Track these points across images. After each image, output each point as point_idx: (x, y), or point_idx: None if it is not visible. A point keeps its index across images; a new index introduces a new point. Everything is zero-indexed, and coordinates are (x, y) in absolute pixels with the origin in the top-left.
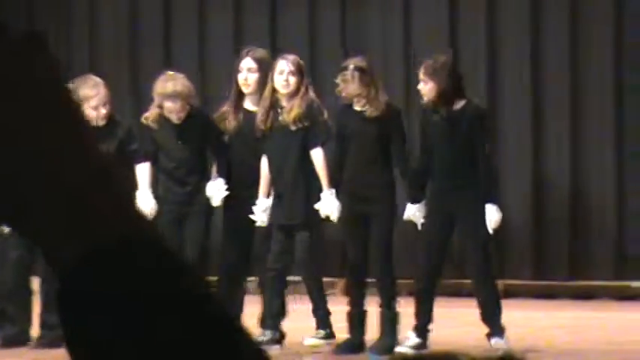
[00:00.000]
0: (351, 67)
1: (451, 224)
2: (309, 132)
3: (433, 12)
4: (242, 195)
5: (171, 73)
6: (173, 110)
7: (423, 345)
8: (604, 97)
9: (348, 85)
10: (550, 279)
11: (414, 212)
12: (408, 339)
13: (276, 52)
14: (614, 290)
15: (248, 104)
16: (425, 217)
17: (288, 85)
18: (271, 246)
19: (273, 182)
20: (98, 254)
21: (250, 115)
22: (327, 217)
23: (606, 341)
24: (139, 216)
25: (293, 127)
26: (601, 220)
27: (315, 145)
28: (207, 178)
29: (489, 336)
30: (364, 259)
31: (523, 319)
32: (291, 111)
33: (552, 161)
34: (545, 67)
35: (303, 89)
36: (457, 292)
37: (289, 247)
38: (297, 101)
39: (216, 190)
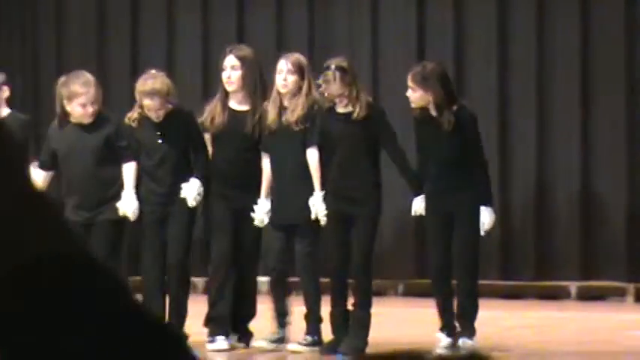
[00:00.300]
0: (333, 66)
1: (451, 223)
2: (305, 133)
3: (401, 11)
4: (227, 194)
5: (153, 71)
6: (152, 108)
7: (453, 345)
8: (571, 97)
9: (330, 85)
10: (516, 279)
11: (419, 204)
12: (440, 341)
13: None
14: (580, 290)
15: (233, 103)
16: (425, 220)
17: (286, 84)
18: (272, 246)
19: (275, 182)
20: (20, 272)
21: (236, 113)
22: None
23: (573, 341)
24: (68, 237)
25: (296, 128)
26: (567, 220)
27: (310, 145)
28: (198, 162)
29: (459, 335)
30: (347, 260)
31: (490, 318)
32: (294, 111)
33: (518, 161)
34: (512, 67)
35: (305, 89)
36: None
37: (290, 247)
38: (300, 101)
39: (192, 192)
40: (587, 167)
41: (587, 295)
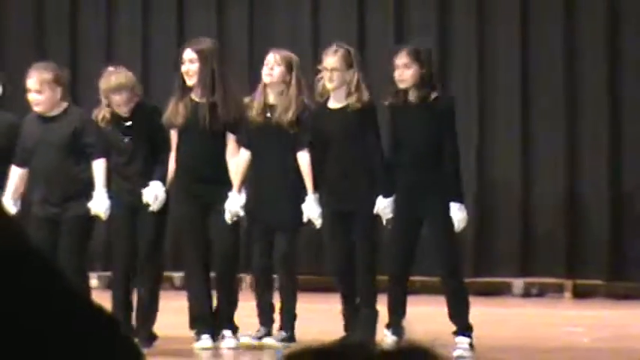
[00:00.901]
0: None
1: (419, 224)
2: (295, 135)
3: (342, 12)
4: (194, 189)
5: (112, 68)
6: (121, 102)
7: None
8: (512, 97)
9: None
10: None
11: (384, 206)
12: (385, 337)
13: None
14: (520, 286)
15: (194, 96)
16: (393, 217)
17: (271, 74)
18: (254, 242)
19: (257, 180)
20: None
21: (197, 107)
22: (309, 221)
23: (513, 337)
24: (11, 232)
25: (290, 130)
26: (506, 218)
27: (301, 148)
28: (159, 164)
29: (455, 333)
30: (351, 258)
31: (432, 315)
32: (286, 113)
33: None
34: (452, 67)
35: (294, 88)
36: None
37: (271, 247)
38: (290, 102)
39: (152, 196)
40: (526, 165)
41: (527, 292)
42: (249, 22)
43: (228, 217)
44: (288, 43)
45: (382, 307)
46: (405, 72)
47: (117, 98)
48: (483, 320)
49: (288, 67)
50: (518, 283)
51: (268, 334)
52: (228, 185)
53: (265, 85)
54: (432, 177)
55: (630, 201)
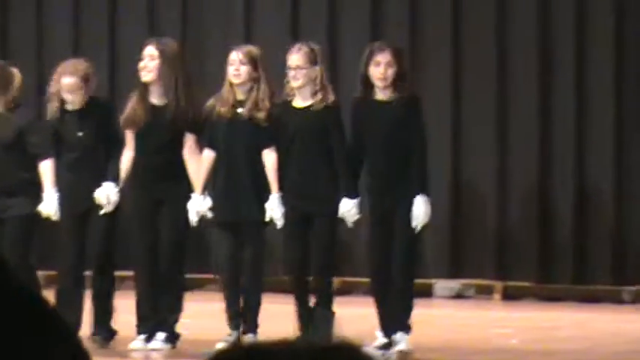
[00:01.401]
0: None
1: (391, 222)
2: (264, 132)
3: (274, 15)
4: (148, 188)
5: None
6: (69, 88)
7: (389, 344)
8: (443, 97)
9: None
10: None
11: (348, 208)
12: (377, 339)
13: (115, 54)
14: (449, 289)
15: (152, 97)
16: (371, 221)
17: (239, 74)
18: (220, 245)
19: (224, 178)
20: None
21: (155, 107)
22: (271, 220)
23: (442, 339)
24: None
25: (256, 125)
26: (436, 219)
27: (267, 146)
28: (111, 164)
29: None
30: (307, 259)
31: (359, 317)
32: (257, 108)
33: None
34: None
35: (263, 82)
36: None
37: (239, 246)
38: (260, 96)
39: (106, 196)
40: (459, 167)
41: (457, 294)
42: (182, 15)
43: (194, 220)
44: (221, 36)
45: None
46: (389, 70)
47: (66, 82)
48: (414, 321)
49: (253, 63)
50: (447, 285)
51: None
52: (182, 184)
53: (232, 84)
54: (401, 175)
55: (560, 203)
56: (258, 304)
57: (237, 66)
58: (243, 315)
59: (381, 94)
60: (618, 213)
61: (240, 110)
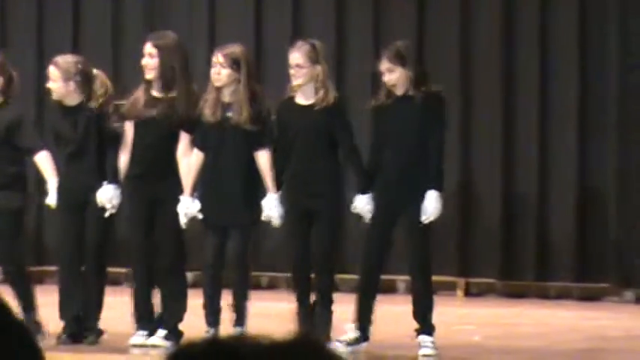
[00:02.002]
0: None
1: (395, 220)
2: (257, 133)
3: (239, 13)
4: (142, 183)
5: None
6: (53, 78)
7: (362, 338)
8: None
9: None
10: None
11: (364, 204)
12: (345, 332)
13: (78, 53)
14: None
15: (154, 91)
16: (372, 213)
17: (219, 78)
18: (206, 242)
19: (212, 181)
20: None
21: (155, 100)
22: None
23: (403, 334)
24: None
25: (247, 127)
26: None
27: (262, 147)
28: (109, 163)
29: (418, 332)
30: (308, 256)
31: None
32: (241, 112)
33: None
34: (350, 66)
35: (244, 84)
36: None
37: (224, 246)
38: (241, 98)
39: (109, 198)
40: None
41: (389, 289)
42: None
43: (183, 221)
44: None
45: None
46: (390, 75)
47: (51, 72)
48: (374, 318)
49: (235, 64)
50: (406, 282)
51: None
52: (176, 183)
53: (217, 87)
54: (415, 175)
55: (523, 199)
56: (245, 297)
57: (217, 69)
58: (236, 309)
59: (408, 91)
60: (581, 214)
61: (228, 114)
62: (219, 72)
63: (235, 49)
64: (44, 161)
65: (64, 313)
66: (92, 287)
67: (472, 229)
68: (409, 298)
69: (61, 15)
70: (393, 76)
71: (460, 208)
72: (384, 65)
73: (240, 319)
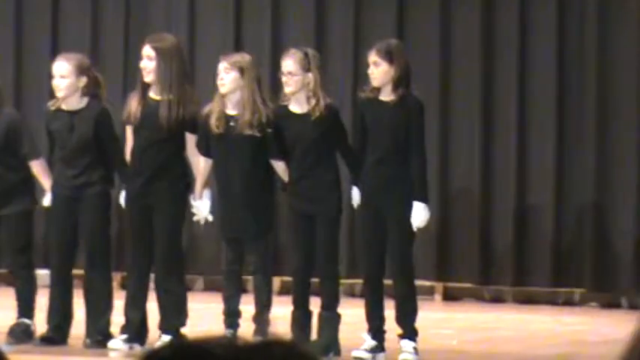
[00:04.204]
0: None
1: (383, 220)
2: (259, 144)
3: (219, 17)
4: (141, 188)
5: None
6: (55, 87)
7: (379, 347)
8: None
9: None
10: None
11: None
12: (364, 341)
13: (57, 46)
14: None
15: (152, 94)
16: (359, 216)
17: (223, 84)
18: (226, 250)
19: (222, 193)
20: None
21: (152, 103)
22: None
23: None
24: None
25: (248, 132)
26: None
27: (275, 157)
28: (105, 165)
29: (401, 337)
30: (309, 260)
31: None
32: (243, 119)
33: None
34: (329, 69)
35: (247, 91)
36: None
37: (242, 256)
38: (245, 108)
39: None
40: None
41: (351, 292)
42: (125, 15)
43: (202, 222)
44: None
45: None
46: (375, 70)
47: (54, 83)
48: (353, 321)
49: (239, 70)
50: (387, 286)
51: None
52: (177, 187)
53: (223, 95)
54: (395, 177)
55: (501, 202)
56: (268, 304)
57: (221, 76)
58: (257, 314)
59: (383, 94)
60: (558, 216)
61: (232, 124)
62: (223, 78)
63: (241, 57)
64: (40, 168)
65: (51, 317)
66: (98, 291)
67: (450, 233)
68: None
69: (39, 12)
70: (377, 70)
71: (438, 212)
72: (372, 58)
73: (262, 324)
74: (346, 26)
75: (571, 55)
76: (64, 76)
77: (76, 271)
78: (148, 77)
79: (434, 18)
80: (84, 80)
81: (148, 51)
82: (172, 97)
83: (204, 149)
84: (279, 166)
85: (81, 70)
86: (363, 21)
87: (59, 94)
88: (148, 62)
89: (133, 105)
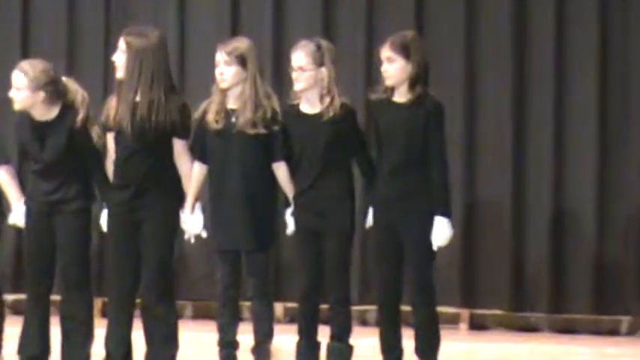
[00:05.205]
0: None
1: (399, 238)
2: (263, 143)
3: (214, 12)
4: (125, 201)
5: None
6: (11, 99)
7: None
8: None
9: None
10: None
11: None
12: None
13: (26, 50)
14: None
15: (132, 94)
16: (374, 236)
17: (223, 79)
18: (217, 269)
19: (218, 200)
20: None
21: (134, 106)
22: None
23: None
24: None
25: (250, 131)
26: None
27: (277, 158)
28: (84, 178)
29: None
30: (317, 283)
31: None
32: (244, 115)
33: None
34: (339, 67)
35: (249, 84)
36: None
37: (238, 272)
38: (247, 102)
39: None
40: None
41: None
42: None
43: (192, 240)
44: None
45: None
46: (389, 66)
47: (16, 78)
48: (366, 354)
49: (242, 61)
50: (408, 313)
51: None
52: (166, 200)
53: (223, 90)
54: (412, 188)
55: (535, 222)
56: (268, 335)
57: (221, 70)
58: (257, 351)
59: (398, 95)
60: (599, 234)
61: (233, 120)
62: (223, 72)
63: (240, 43)
64: (6, 177)
65: (23, 349)
66: (76, 318)
67: (476, 251)
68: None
69: (8, 13)
70: (392, 66)
71: (462, 228)
72: (385, 53)
73: (262, 355)
74: (358, 16)
75: (614, 50)
76: (20, 89)
77: (52, 297)
78: (119, 73)
79: (457, 6)
80: (41, 95)
81: (122, 43)
82: (151, 97)
83: (199, 153)
84: (282, 170)
85: (37, 86)
86: (375, 11)
87: (15, 106)
88: (120, 55)
89: (112, 108)
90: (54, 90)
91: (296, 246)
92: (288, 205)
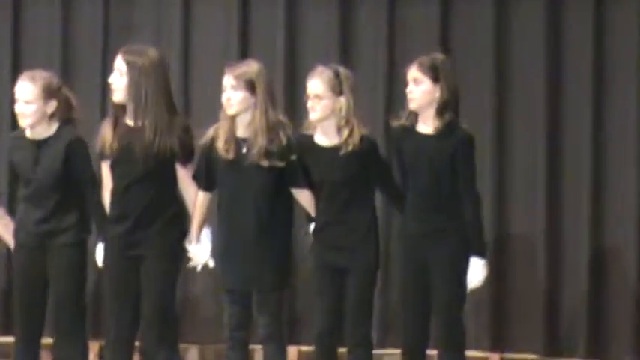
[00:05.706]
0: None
1: (427, 277)
2: (277, 174)
3: (221, 31)
4: (123, 235)
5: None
6: (19, 115)
7: None
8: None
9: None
10: None
11: None
12: None
13: (19, 62)
14: None
15: (128, 119)
16: (401, 277)
17: (230, 104)
18: (227, 310)
19: (229, 235)
20: None
21: (130, 131)
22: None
23: None
24: None
25: (263, 164)
26: None
27: (299, 187)
28: (79, 206)
29: None
30: (337, 324)
31: None
32: (255, 144)
33: None
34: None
35: (259, 111)
36: None
37: (249, 314)
38: (257, 131)
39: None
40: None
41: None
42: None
43: (198, 268)
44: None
45: None
46: (415, 89)
47: (17, 109)
48: None
49: (250, 87)
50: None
51: None
52: (172, 233)
53: (231, 116)
54: (443, 225)
55: (572, 257)
56: None
57: (228, 93)
58: None
59: (423, 121)
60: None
61: (244, 151)
62: (230, 97)
63: (249, 67)
64: None
65: None
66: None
67: (508, 290)
68: None
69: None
70: (418, 88)
71: (493, 268)
72: (412, 73)
73: None
74: (377, 39)
75: None
76: (30, 101)
77: (44, 340)
78: (116, 95)
79: (485, 16)
80: (53, 104)
81: (119, 63)
82: (152, 121)
83: (204, 183)
84: (305, 196)
85: (49, 93)
86: (398, 26)
87: (24, 122)
88: (118, 77)
89: (108, 134)
90: (63, 100)
91: (314, 283)
92: (310, 220)
